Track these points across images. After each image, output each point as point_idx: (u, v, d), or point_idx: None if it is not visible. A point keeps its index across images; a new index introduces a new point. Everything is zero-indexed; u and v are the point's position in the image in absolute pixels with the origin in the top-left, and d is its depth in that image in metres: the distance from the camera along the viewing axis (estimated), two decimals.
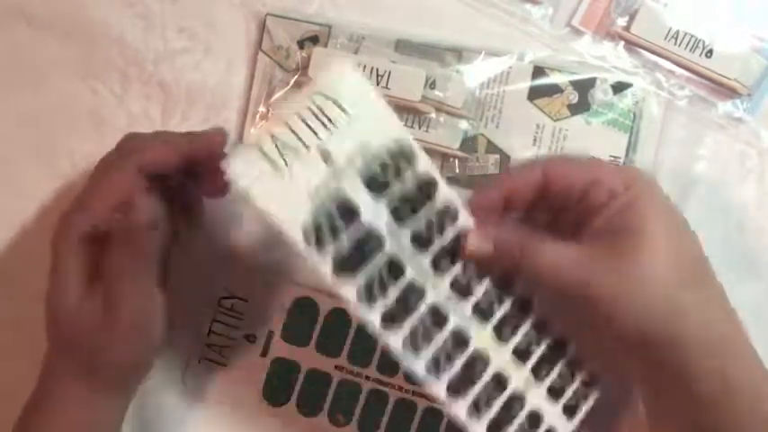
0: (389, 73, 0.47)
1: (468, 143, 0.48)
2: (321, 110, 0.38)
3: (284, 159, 0.37)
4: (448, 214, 0.40)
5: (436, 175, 0.40)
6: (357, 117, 0.38)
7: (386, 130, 0.39)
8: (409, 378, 0.49)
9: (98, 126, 0.49)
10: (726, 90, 0.47)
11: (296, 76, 0.48)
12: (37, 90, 0.49)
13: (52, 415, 0.42)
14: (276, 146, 0.37)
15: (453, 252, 0.40)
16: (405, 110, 0.47)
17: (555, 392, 0.43)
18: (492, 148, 0.48)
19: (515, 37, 0.48)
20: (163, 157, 0.40)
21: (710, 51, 0.47)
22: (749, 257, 0.49)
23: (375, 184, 0.39)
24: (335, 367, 0.49)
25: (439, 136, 0.48)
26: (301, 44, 0.48)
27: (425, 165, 0.40)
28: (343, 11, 0.49)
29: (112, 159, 0.41)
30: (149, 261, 0.41)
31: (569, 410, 0.43)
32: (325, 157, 0.38)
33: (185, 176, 0.42)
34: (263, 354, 0.49)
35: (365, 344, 0.49)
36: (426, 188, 0.40)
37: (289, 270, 0.49)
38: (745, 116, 0.48)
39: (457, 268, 0.41)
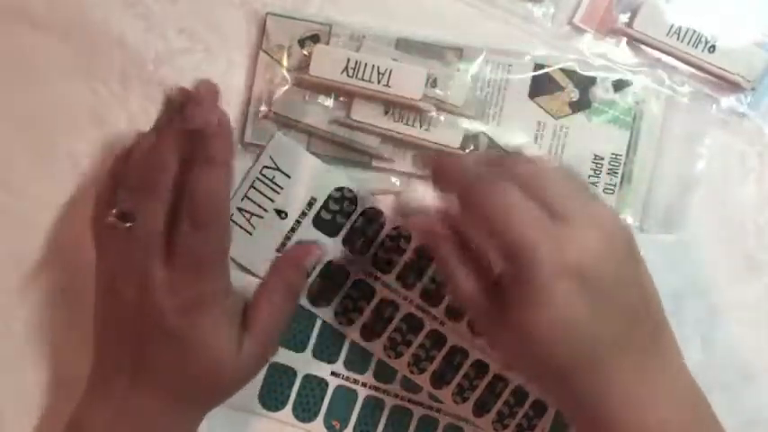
0: (390, 71, 0.47)
1: (470, 142, 0.48)
2: (270, 179, 0.47)
3: (251, 224, 0.47)
4: (401, 236, 0.48)
5: (381, 206, 0.48)
6: (298, 177, 0.47)
7: (326, 181, 0.48)
8: (406, 385, 0.49)
9: (98, 126, 0.48)
10: (729, 85, 0.47)
11: (296, 76, 0.48)
12: (37, 90, 0.49)
13: None
14: (243, 215, 0.47)
15: (419, 267, 0.48)
16: (405, 108, 0.47)
17: None
18: (493, 146, 0.48)
19: (516, 35, 0.48)
20: None
21: (713, 47, 0.46)
22: (749, 257, 0.48)
23: (329, 228, 0.48)
24: (332, 373, 0.49)
25: (440, 135, 0.47)
26: (302, 43, 0.48)
27: (369, 201, 0.48)
28: (343, 10, 0.48)
29: None
30: None
31: None
32: (281, 214, 0.47)
33: None
34: None
35: (362, 350, 0.49)
36: (376, 219, 0.48)
37: None
38: (749, 111, 0.47)
39: (425, 281, 0.48)
